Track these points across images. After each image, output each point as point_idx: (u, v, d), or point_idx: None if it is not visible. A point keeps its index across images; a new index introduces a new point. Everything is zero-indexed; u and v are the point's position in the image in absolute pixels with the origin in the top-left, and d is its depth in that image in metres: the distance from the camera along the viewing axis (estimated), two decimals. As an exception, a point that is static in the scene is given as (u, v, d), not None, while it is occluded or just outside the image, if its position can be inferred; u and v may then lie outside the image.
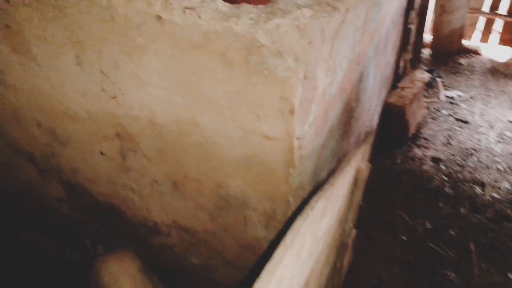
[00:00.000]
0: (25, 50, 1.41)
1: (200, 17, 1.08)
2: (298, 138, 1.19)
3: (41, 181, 1.87)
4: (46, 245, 2.16)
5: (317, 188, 1.55)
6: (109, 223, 1.82)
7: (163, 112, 1.31)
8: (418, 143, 3.18)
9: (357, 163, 1.53)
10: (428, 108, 3.60)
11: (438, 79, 4.03)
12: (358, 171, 1.52)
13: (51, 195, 1.90)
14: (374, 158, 2.66)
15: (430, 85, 3.91)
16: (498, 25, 4.58)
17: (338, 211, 1.46)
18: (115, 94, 1.36)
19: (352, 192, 1.57)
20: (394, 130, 3.07)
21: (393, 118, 3.00)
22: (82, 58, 1.33)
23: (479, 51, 4.58)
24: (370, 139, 1.78)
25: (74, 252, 2.07)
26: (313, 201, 1.17)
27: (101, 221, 1.84)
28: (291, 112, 1.12)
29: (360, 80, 1.94)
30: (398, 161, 3.01)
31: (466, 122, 3.43)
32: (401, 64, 3.38)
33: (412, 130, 3.21)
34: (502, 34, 4.55)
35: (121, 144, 1.48)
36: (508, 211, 2.58)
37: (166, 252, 1.77)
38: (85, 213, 1.87)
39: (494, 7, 4.53)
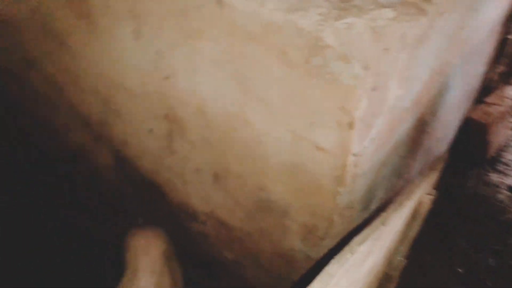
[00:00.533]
0: (88, 17, 1.39)
1: (263, 5, 0.96)
2: (354, 155, 1.05)
3: (94, 147, 1.89)
4: (93, 214, 2.22)
5: (368, 205, 1.40)
6: (151, 201, 1.80)
7: (213, 102, 1.22)
8: (497, 167, 2.83)
9: (420, 194, 1.34)
10: (514, 130, 3.20)
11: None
12: (419, 204, 1.34)
13: (102, 162, 1.92)
14: (442, 176, 2.41)
15: (522, 104, 3.47)
16: None
17: (388, 249, 1.30)
18: (168, 74, 1.29)
19: (409, 225, 1.39)
20: (472, 149, 2.76)
21: (473, 135, 2.69)
22: (140, 33, 1.27)
23: None
24: (440, 166, 1.57)
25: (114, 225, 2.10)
26: (355, 243, 1.02)
27: (144, 197, 1.83)
28: (350, 126, 0.98)
29: (441, 91, 1.72)
30: (470, 184, 2.71)
31: (558, 152, 3.00)
32: (491, 77, 3.00)
33: (492, 152, 2.87)
34: None
35: (169, 126, 1.43)
36: None
37: (201, 240, 1.72)
38: (130, 186, 1.87)
39: None
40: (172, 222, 1.77)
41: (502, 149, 3.02)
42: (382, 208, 1.58)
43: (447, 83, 1.75)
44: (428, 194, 1.44)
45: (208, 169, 1.42)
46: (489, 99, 2.89)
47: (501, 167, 2.85)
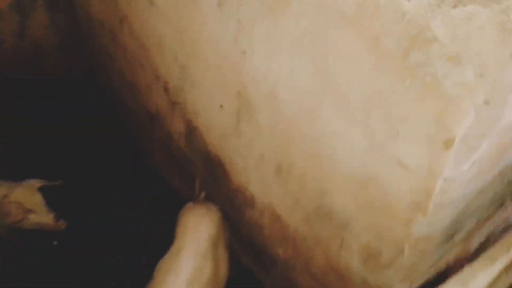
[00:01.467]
0: (177, -24, 1.31)
1: (361, -20, 0.78)
2: (445, 180, 0.84)
3: (170, 111, 1.87)
4: (163, 170, 2.23)
5: (451, 237, 1.16)
6: (213, 177, 1.74)
7: (286, 88, 1.07)
8: None
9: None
10: None
11: None
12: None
13: (175, 128, 1.89)
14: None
15: None
16: None
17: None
18: (245, 49, 1.17)
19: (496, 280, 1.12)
20: None
21: None
22: (224, 0, 1.16)
23: None
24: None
25: (182, 184, 2.08)
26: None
27: (208, 171, 1.77)
28: (447, 145, 0.77)
29: None
30: None
31: None
32: None
33: None
34: None
35: (239, 105, 1.32)
36: None
37: (256, 230, 1.62)
38: (197, 156, 1.82)
39: None
40: (230, 205, 1.68)
41: None
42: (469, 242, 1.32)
43: None
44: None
45: (272, 158, 1.29)
46: None
47: None
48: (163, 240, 1.49)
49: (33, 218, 1.78)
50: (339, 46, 0.87)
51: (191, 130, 1.74)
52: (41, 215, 1.79)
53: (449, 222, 1.05)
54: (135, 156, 2.31)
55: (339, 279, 1.26)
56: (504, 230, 1.48)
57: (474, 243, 1.37)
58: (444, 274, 1.23)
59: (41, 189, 1.80)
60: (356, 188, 1.00)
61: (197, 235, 1.37)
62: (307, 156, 1.12)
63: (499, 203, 1.37)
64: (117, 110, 2.40)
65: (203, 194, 1.67)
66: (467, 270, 0.94)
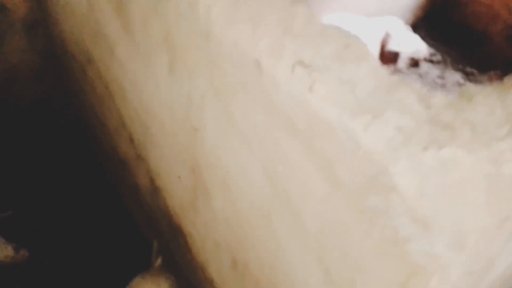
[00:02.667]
0: (131, 32, 1.14)
1: (311, 90, 0.60)
2: None
3: (136, 163, 1.70)
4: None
5: None
6: (177, 243, 1.56)
7: (238, 179, 0.90)
8: None
9: None
10: None
11: None
12: None
13: (141, 180, 1.72)
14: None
15: None
16: None
17: None
18: (197, 126, 0.99)
19: None
20: None
21: None
22: (173, 68, 0.99)
23: None
24: None
25: (150, 234, 1.92)
26: None
27: (171, 235, 1.60)
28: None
29: None
30: None
31: None
32: None
33: None
34: None
35: (195, 182, 1.14)
36: None
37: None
38: (162, 216, 1.64)
39: None
40: (192, 276, 1.50)
41: None
42: None
43: None
44: None
45: (227, 249, 1.10)
46: None
47: None
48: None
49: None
50: (289, 158, 0.70)
51: (155, 189, 1.57)
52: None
53: None
54: (107, 190, 2.18)
55: None
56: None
57: None
58: None
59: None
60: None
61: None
62: (262, 262, 0.93)
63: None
64: (90, 143, 2.25)
65: (159, 260, 1.51)
66: None
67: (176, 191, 1.33)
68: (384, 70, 0.62)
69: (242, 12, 0.72)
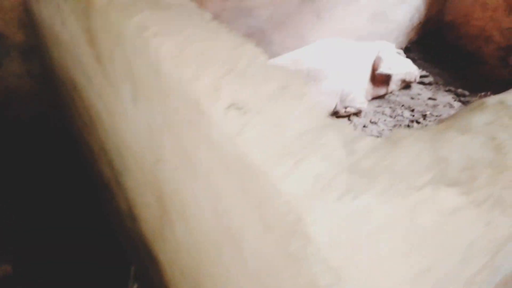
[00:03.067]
0: (102, 63, 1.16)
1: (240, 133, 0.60)
2: None
3: (117, 188, 1.70)
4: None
5: None
6: (154, 270, 1.55)
7: (193, 214, 0.89)
8: None
9: None
10: None
11: None
12: None
13: (121, 205, 1.73)
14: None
15: None
16: None
17: None
18: (158, 157, 1.00)
19: None
20: None
21: None
22: (137, 99, 1.00)
23: None
24: None
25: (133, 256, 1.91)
26: None
27: (149, 261, 1.59)
28: None
29: None
30: None
31: None
32: None
33: None
34: None
35: (162, 212, 1.14)
36: None
37: None
38: (140, 242, 1.64)
39: None
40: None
41: None
42: None
43: None
44: None
45: (191, 277, 1.09)
46: None
47: None
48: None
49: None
50: (229, 195, 0.69)
51: (133, 216, 1.57)
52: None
53: None
54: (97, 210, 2.20)
55: None
56: None
57: None
58: None
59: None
60: None
61: None
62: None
63: None
64: (82, 161, 2.27)
65: (135, 287, 1.50)
66: None
67: (149, 219, 1.33)
68: (318, 112, 0.62)
69: (189, 51, 0.73)
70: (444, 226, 0.51)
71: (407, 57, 3.20)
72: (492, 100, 0.68)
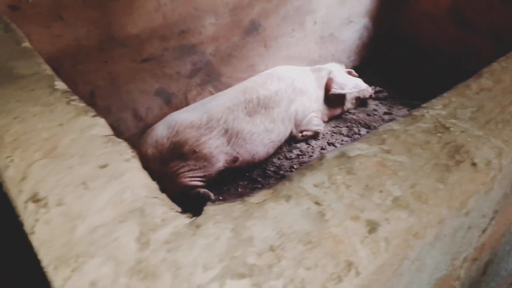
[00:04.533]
0: None
1: (33, 227, 0.54)
2: None
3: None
4: None
5: None
6: None
7: None
8: None
9: None
10: None
11: None
12: None
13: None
14: None
15: None
16: None
17: None
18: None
19: None
20: None
21: None
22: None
23: None
24: None
25: None
26: None
27: None
28: None
29: None
30: None
31: None
32: None
33: None
34: None
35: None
36: None
37: None
38: None
39: None
40: None
41: None
42: None
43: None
44: None
45: None
46: None
47: None
48: None
49: None
50: None
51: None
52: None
53: None
54: None
55: None
56: None
57: None
58: None
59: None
60: None
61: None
62: None
63: None
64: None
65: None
66: None
67: None
68: (129, 194, 0.56)
69: (9, 134, 0.68)
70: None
71: (362, 74, 3.20)
72: (331, 154, 0.62)
